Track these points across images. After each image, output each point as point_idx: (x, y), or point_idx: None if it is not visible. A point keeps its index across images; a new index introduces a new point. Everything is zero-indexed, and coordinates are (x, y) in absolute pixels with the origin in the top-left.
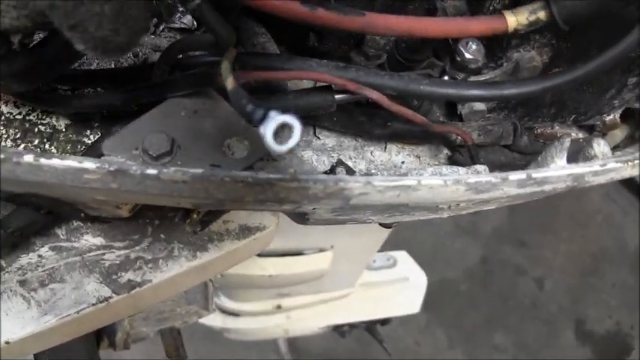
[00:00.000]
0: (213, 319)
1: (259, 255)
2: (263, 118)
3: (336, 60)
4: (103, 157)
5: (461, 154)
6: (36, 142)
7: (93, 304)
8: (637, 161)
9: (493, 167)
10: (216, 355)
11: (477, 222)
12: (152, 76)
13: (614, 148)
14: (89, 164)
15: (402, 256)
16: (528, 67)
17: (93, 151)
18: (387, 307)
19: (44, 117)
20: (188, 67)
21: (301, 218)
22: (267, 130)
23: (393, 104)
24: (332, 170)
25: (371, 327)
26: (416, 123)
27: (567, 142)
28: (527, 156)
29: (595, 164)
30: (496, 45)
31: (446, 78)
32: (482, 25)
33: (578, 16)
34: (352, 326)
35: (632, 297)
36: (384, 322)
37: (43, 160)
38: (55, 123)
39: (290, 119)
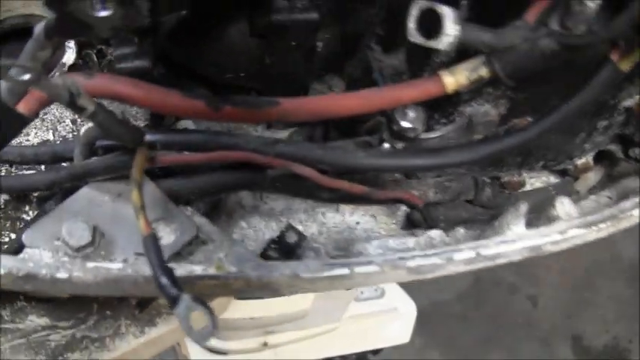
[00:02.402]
0: (202, 357)
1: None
2: (177, 298)
3: None
4: (24, 252)
5: (419, 212)
6: None
7: None
8: (602, 225)
9: (454, 224)
10: None
11: None
12: (74, 159)
13: (590, 191)
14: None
15: (390, 286)
16: (483, 122)
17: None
18: (376, 339)
19: None
20: (109, 150)
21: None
22: (183, 314)
23: (326, 179)
24: (281, 236)
25: (362, 357)
26: (356, 194)
27: (524, 208)
28: (491, 210)
29: (554, 233)
30: (444, 100)
31: (386, 146)
32: (415, 91)
33: (523, 71)
34: (343, 357)
35: (628, 310)
36: (376, 351)
37: None
38: None
39: (204, 310)
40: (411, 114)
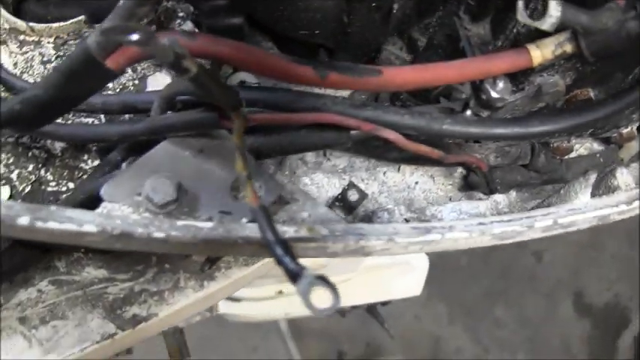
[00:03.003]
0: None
1: None
2: (297, 273)
3: None
4: (102, 206)
5: (476, 174)
6: (30, 167)
7: (97, 342)
8: None
9: (509, 187)
10: (218, 334)
11: None
12: (151, 112)
13: (632, 159)
14: (90, 227)
15: None
16: (551, 92)
17: (90, 185)
18: (388, 291)
19: (38, 139)
20: (188, 105)
21: None
22: (303, 292)
23: (410, 144)
24: (344, 194)
25: (371, 308)
26: (432, 158)
27: (592, 178)
28: (544, 175)
29: (621, 203)
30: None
31: (468, 114)
32: (505, 63)
33: (608, 50)
34: (353, 307)
35: (630, 269)
36: (385, 302)
37: (39, 224)
38: (49, 147)
39: (327, 285)
40: (501, 84)
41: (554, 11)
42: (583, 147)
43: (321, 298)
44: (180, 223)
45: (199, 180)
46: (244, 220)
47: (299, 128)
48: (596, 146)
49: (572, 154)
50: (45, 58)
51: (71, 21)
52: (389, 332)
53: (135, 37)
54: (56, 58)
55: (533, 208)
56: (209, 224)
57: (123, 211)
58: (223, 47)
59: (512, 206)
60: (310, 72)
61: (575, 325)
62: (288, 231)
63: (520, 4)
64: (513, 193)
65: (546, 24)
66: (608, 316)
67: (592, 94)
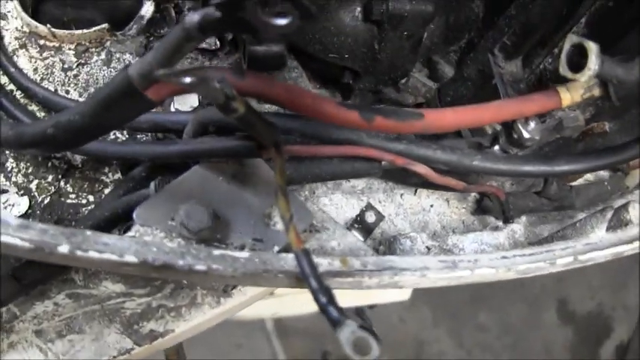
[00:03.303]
0: None
1: None
2: (340, 322)
3: (370, 94)
4: (135, 229)
5: (490, 200)
6: (50, 178)
7: (114, 357)
8: None
9: (521, 213)
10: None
11: None
12: (184, 134)
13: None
14: (131, 258)
15: None
16: (572, 126)
17: (114, 202)
18: (377, 295)
19: None
20: (221, 130)
21: None
22: (346, 340)
23: (439, 178)
24: (361, 215)
25: (359, 310)
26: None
27: (609, 214)
28: (554, 202)
29: (635, 241)
30: None
31: (497, 149)
32: (536, 106)
33: (632, 97)
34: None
35: (614, 278)
36: (372, 305)
37: (79, 254)
38: (70, 157)
39: (368, 337)
40: (532, 124)
41: (593, 65)
42: (591, 174)
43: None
44: (216, 252)
45: (232, 206)
46: (276, 248)
47: (331, 157)
48: (603, 172)
49: (581, 181)
50: (66, 65)
51: (94, 29)
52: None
53: (188, 80)
54: (77, 65)
55: (549, 237)
56: (245, 254)
57: (156, 235)
58: (273, 88)
59: (526, 233)
60: (356, 116)
61: (558, 332)
62: (322, 263)
63: (563, 58)
64: (524, 218)
65: (584, 77)
66: (590, 325)
67: (607, 128)
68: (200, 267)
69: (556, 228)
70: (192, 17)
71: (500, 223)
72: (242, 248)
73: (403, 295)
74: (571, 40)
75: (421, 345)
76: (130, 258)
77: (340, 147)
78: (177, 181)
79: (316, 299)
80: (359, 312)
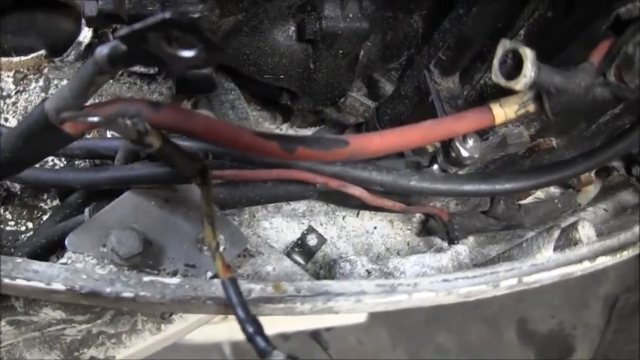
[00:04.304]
0: None
1: None
2: (267, 352)
3: (311, 114)
4: (67, 256)
5: (434, 220)
6: None
7: None
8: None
9: (468, 233)
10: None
11: None
12: (115, 161)
13: (588, 204)
14: (58, 285)
15: None
16: (516, 143)
17: (51, 229)
18: (333, 317)
19: None
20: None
21: None
22: None
23: (375, 199)
24: (302, 238)
25: (315, 332)
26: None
27: (556, 234)
28: (503, 221)
29: (584, 259)
30: None
31: (436, 168)
32: (468, 124)
33: (570, 111)
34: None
35: (574, 297)
36: (329, 328)
37: (6, 281)
38: (9, 184)
39: None
40: (471, 142)
41: (529, 72)
42: (542, 191)
43: None
44: (146, 278)
45: (165, 231)
46: (209, 273)
47: (264, 180)
48: (554, 189)
49: (530, 199)
50: (4, 93)
51: (32, 55)
52: (332, 357)
53: (96, 119)
54: (16, 92)
55: (494, 258)
56: (175, 280)
57: (87, 262)
58: (190, 121)
59: (472, 254)
60: (276, 147)
61: (518, 353)
62: (254, 289)
63: (495, 64)
64: (471, 239)
65: (520, 84)
66: (551, 344)
67: (554, 143)
68: (127, 294)
69: (505, 248)
70: (102, 51)
71: (445, 245)
72: (174, 274)
73: (359, 317)
74: (504, 45)
75: None
76: (58, 285)
77: (272, 170)
78: (109, 207)
79: (243, 329)
80: (315, 335)
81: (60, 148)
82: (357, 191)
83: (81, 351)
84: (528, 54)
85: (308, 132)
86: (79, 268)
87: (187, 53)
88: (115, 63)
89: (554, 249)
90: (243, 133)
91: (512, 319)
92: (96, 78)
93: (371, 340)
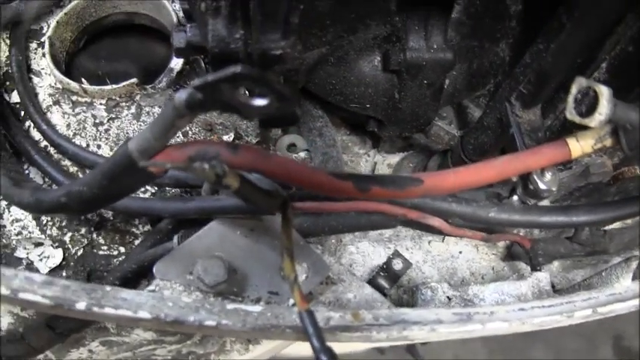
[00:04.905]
0: None
1: None
2: None
3: (398, 140)
4: (155, 283)
5: (520, 245)
6: (83, 230)
7: None
8: None
9: (552, 258)
10: None
11: None
12: (202, 191)
13: None
14: (144, 314)
15: None
16: (599, 173)
17: (141, 255)
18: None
19: None
20: None
21: None
22: None
23: (454, 230)
24: (388, 262)
25: (411, 346)
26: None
27: (634, 264)
28: (587, 247)
29: None
30: None
31: (515, 199)
32: (544, 159)
33: None
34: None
35: None
36: (424, 342)
37: (95, 310)
38: (102, 210)
39: None
40: (548, 176)
41: (605, 109)
42: None
43: None
44: (230, 306)
45: (249, 260)
46: (291, 301)
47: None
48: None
49: (616, 225)
50: (97, 120)
51: (123, 84)
52: None
53: (174, 165)
54: (108, 120)
55: (575, 286)
56: (258, 308)
57: (174, 289)
58: (266, 163)
59: (557, 279)
60: (351, 187)
61: None
62: (333, 317)
63: (570, 101)
64: (556, 263)
65: (595, 122)
66: None
67: (639, 172)
68: (210, 322)
69: (589, 273)
70: (181, 96)
71: (526, 271)
72: (258, 301)
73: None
74: (579, 83)
75: None
76: (144, 314)
77: (352, 203)
78: (195, 236)
79: (317, 358)
80: (410, 349)
81: (144, 186)
82: (436, 222)
83: None
84: (604, 92)
85: (396, 157)
86: (166, 295)
87: (260, 102)
88: (193, 109)
89: (633, 278)
90: (318, 174)
91: (609, 335)
92: (175, 121)
93: (467, 354)
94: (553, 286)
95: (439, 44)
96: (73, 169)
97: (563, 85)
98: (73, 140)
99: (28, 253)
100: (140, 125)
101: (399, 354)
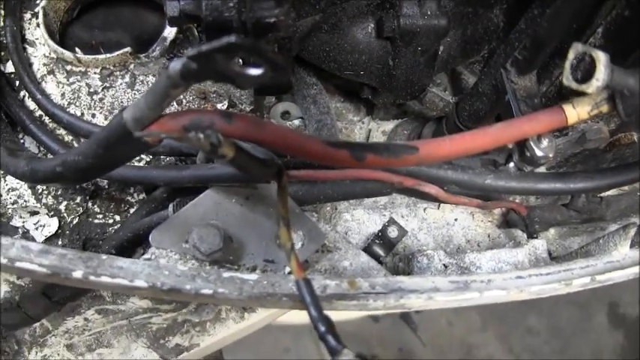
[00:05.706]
0: None
1: None
2: (338, 351)
3: (392, 107)
4: (150, 252)
5: (516, 213)
6: (78, 199)
7: None
8: None
9: (548, 226)
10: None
11: None
12: (197, 159)
13: None
14: (140, 282)
15: None
16: (595, 139)
17: (136, 224)
18: None
19: None
20: None
21: None
22: None
23: (450, 197)
24: (383, 230)
25: (405, 314)
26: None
27: (632, 232)
28: (583, 214)
29: None
30: None
31: (511, 166)
32: (540, 126)
33: None
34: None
35: None
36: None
37: (92, 278)
38: (97, 179)
39: None
40: (545, 142)
41: (602, 75)
42: None
43: None
44: (226, 274)
45: (245, 228)
46: (287, 269)
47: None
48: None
49: (613, 192)
50: (91, 89)
51: (117, 53)
52: (421, 339)
53: (168, 134)
54: (102, 89)
55: (572, 253)
56: (254, 276)
57: (170, 258)
58: (261, 131)
59: (553, 247)
60: (347, 155)
61: (608, 337)
62: (329, 285)
63: (567, 67)
64: (552, 231)
65: (592, 88)
66: None
67: (635, 138)
68: (206, 291)
69: (586, 240)
70: (175, 67)
71: (523, 239)
72: (254, 269)
73: None
74: (576, 49)
75: (469, 349)
76: (140, 283)
77: (347, 171)
78: (191, 204)
79: (315, 327)
80: (404, 316)
81: (139, 155)
82: (432, 189)
83: (166, 338)
84: (601, 57)
85: (390, 124)
86: (162, 264)
87: (254, 72)
88: (187, 78)
89: (631, 246)
90: (313, 143)
91: (603, 302)
92: (170, 91)
93: (461, 322)
94: (550, 254)
95: (433, 10)
96: (67, 138)
97: (558, 50)
98: (68, 109)
99: (24, 222)
100: (134, 94)
101: (392, 322)
